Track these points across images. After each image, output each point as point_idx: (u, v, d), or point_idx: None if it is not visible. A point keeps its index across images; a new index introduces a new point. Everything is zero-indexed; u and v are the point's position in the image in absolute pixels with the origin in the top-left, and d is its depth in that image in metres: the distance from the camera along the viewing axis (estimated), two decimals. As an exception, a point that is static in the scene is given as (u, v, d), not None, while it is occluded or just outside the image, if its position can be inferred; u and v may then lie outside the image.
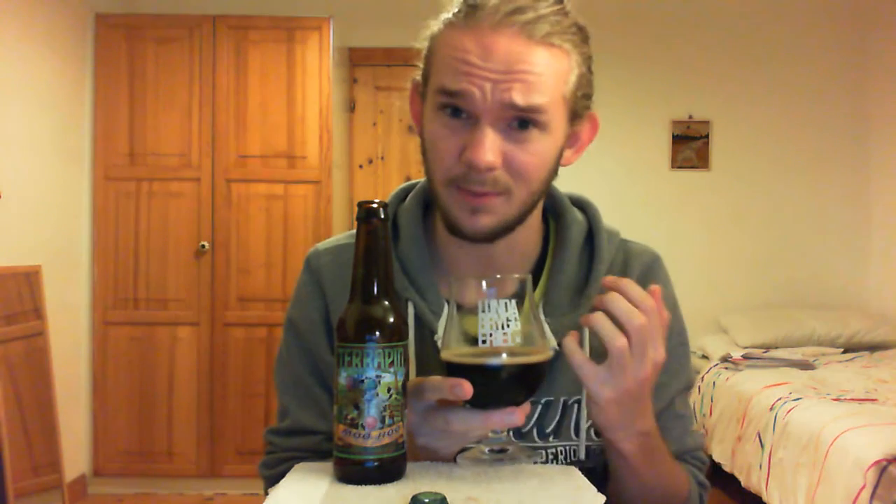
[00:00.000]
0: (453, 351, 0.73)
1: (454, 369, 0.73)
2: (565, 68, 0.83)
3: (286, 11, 3.76)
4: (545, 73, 0.81)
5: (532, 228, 0.95)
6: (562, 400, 0.93)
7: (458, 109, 0.83)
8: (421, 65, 0.90)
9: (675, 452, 0.93)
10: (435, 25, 0.87)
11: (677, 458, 0.93)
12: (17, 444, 2.73)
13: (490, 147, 0.81)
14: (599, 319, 0.75)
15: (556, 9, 0.82)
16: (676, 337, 0.98)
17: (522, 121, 0.82)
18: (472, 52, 0.81)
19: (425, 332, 0.93)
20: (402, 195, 1.01)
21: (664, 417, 0.94)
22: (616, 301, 0.75)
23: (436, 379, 0.73)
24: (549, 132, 0.84)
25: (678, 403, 0.98)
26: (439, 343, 0.90)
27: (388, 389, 0.69)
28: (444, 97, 0.83)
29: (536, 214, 0.94)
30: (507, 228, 0.87)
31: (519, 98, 0.80)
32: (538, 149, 0.84)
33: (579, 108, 0.87)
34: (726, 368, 3.50)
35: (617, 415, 0.78)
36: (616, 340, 0.74)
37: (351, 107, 4.19)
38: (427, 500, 0.62)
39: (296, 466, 0.76)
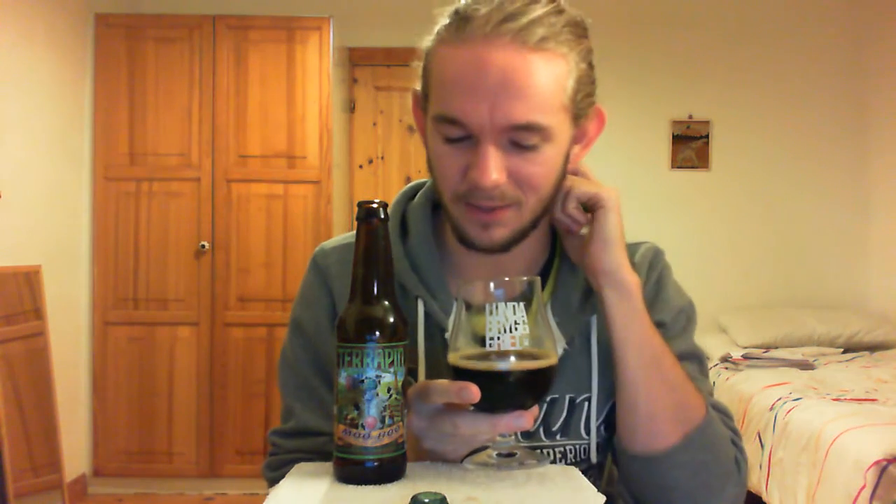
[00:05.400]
0: (460, 354, 0.73)
1: (461, 374, 0.72)
2: (563, 73, 0.81)
3: (286, 11, 3.76)
4: (543, 83, 0.79)
5: (540, 230, 0.94)
6: (567, 397, 0.92)
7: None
8: (420, 78, 0.88)
9: None
10: (429, 40, 0.85)
11: None
12: (17, 444, 2.73)
13: (494, 166, 0.79)
14: None
15: (550, 9, 0.80)
16: (685, 305, 1.01)
17: (524, 135, 0.80)
18: (466, 69, 0.79)
19: (435, 330, 0.92)
20: (412, 193, 1.01)
21: None
22: None
23: (442, 382, 0.72)
24: (552, 141, 0.82)
25: (687, 368, 0.93)
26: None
27: (388, 389, 0.69)
28: (443, 125, 0.81)
29: (545, 217, 0.93)
30: (521, 237, 0.87)
31: (518, 116, 0.78)
32: (543, 158, 0.82)
33: (582, 108, 0.85)
34: (726, 368, 3.50)
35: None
36: None
37: (351, 107, 4.18)
38: (427, 500, 0.61)
39: (296, 466, 0.76)
